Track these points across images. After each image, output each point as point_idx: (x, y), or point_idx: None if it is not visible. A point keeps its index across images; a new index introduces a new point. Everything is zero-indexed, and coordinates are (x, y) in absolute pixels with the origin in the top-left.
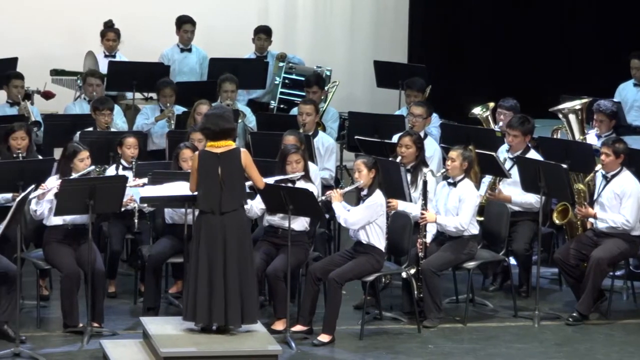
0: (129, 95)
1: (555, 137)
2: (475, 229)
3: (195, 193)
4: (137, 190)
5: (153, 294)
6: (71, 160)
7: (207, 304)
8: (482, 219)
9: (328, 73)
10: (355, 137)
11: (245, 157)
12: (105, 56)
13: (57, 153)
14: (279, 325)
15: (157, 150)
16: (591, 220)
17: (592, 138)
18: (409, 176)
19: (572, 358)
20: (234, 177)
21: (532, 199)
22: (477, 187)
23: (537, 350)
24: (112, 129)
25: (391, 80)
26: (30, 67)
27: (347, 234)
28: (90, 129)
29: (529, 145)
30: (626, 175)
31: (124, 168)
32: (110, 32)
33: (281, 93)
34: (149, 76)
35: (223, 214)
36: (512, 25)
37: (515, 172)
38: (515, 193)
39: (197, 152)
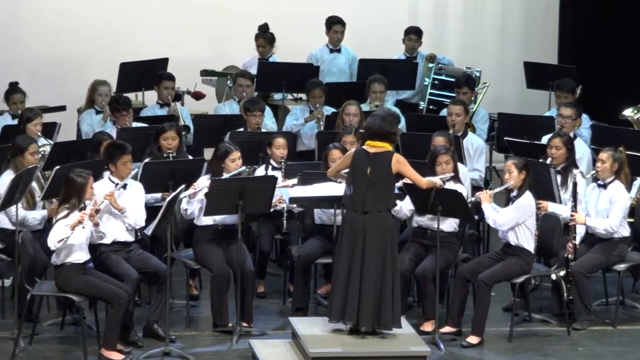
0: (278, 96)
1: None
2: (625, 231)
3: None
4: (287, 191)
5: (302, 294)
6: (222, 161)
7: (342, 302)
8: (632, 220)
9: (477, 74)
10: (505, 138)
11: (398, 160)
12: (259, 60)
13: (207, 153)
14: (428, 326)
15: (307, 151)
16: None
17: None
18: (559, 178)
19: None
20: (381, 179)
21: None
22: (628, 189)
23: None
24: (262, 130)
25: (541, 81)
26: (181, 67)
27: (497, 236)
28: (241, 129)
29: None
30: None
31: (274, 168)
32: (260, 38)
33: (430, 94)
34: (298, 77)
35: (365, 213)
36: None
37: None
38: None
39: (353, 149)
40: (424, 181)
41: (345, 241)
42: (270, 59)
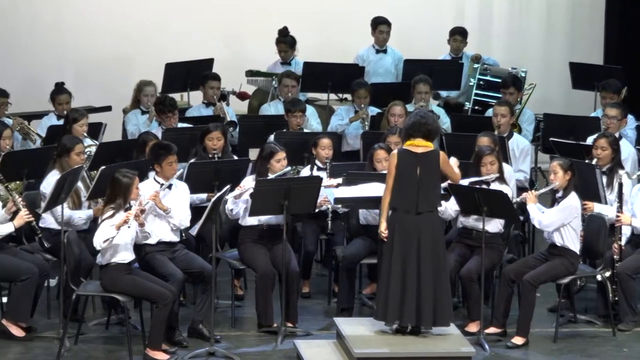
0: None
1: None
2: None
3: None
4: (332, 191)
5: (347, 294)
6: (268, 161)
7: (399, 304)
8: None
9: (523, 74)
10: (551, 139)
11: (444, 159)
12: (281, 64)
13: (252, 154)
14: (473, 327)
15: (352, 151)
16: None
17: None
18: (604, 178)
19: None
20: (431, 178)
21: None
22: None
23: None
24: (306, 130)
25: (587, 82)
26: (226, 68)
27: (542, 236)
28: (285, 130)
29: None
30: None
31: (319, 169)
32: (281, 43)
33: (476, 94)
34: (343, 77)
35: (418, 214)
36: None
37: None
38: None
39: (394, 151)
40: (459, 177)
41: (398, 243)
42: (292, 62)
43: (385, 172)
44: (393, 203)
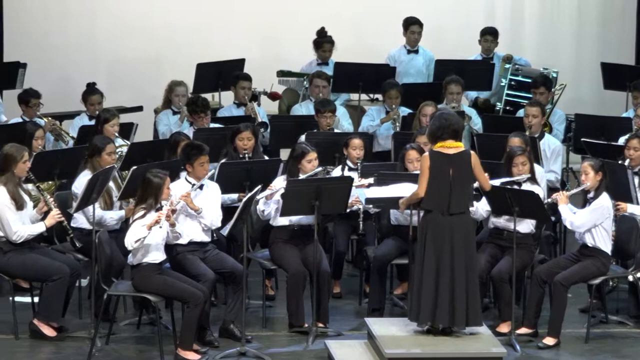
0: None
1: None
2: None
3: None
4: (363, 191)
5: (378, 295)
6: (299, 161)
7: (432, 305)
8: None
9: (554, 75)
10: (582, 139)
11: (475, 159)
12: (318, 64)
13: (283, 154)
14: (504, 328)
15: (383, 152)
16: None
17: None
18: (636, 179)
19: None
20: (463, 179)
21: None
22: None
23: None
24: (337, 130)
25: (618, 82)
26: (258, 68)
27: (573, 237)
28: (315, 130)
29: None
30: None
31: (350, 169)
32: (326, 44)
33: (507, 95)
34: (375, 77)
35: (451, 215)
36: None
37: None
38: None
39: (426, 153)
40: (489, 185)
41: (430, 244)
42: (330, 62)
43: (417, 172)
44: (426, 204)
